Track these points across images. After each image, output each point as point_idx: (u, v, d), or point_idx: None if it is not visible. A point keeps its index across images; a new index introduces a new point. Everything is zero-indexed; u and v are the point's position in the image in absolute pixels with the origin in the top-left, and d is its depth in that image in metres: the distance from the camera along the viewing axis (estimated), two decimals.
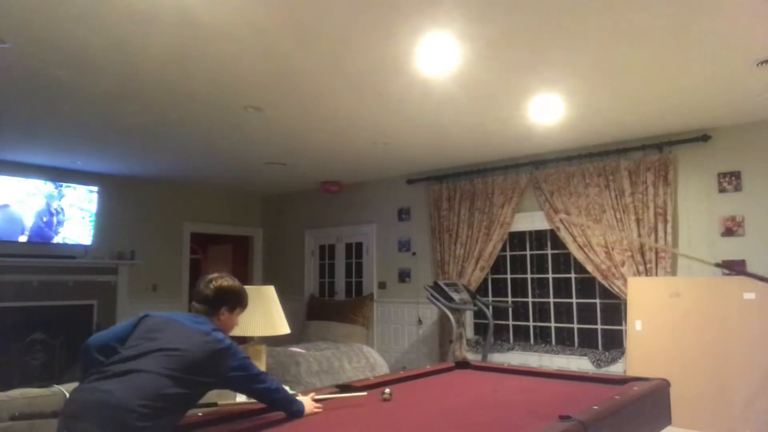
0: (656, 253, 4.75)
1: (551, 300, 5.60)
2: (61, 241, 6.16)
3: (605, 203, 5.06)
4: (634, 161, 4.96)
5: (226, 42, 3.01)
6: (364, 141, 5.14)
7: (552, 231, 5.48)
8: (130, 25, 2.79)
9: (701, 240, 4.65)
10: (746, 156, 4.54)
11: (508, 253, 5.93)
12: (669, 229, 4.71)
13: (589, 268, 5.12)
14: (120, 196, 6.87)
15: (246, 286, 2.29)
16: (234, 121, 4.50)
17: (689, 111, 4.27)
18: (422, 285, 6.12)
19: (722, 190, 4.62)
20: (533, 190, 5.62)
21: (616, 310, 5.17)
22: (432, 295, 5.41)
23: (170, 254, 7.38)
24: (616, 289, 4.95)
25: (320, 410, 2.18)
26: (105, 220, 6.62)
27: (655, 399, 2.52)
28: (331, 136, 4.99)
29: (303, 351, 4.96)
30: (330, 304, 7.37)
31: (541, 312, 5.68)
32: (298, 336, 6.97)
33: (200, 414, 2.06)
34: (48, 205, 6.07)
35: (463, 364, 3.34)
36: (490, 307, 5.66)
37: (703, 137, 4.69)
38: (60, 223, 6.16)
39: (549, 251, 5.65)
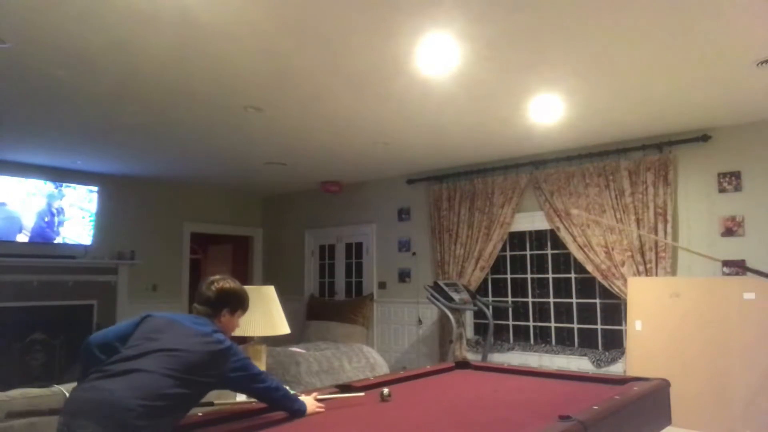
0: (656, 253, 4.75)
1: (551, 300, 5.60)
2: (61, 241, 6.16)
3: (605, 203, 5.06)
4: (634, 161, 4.96)
5: (226, 42, 3.01)
6: (364, 141, 5.14)
7: (552, 231, 5.48)
8: (130, 25, 2.79)
9: (701, 240, 4.65)
10: (746, 156, 4.54)
11: (508, 253, 5.93)
12: (669, 229, 4.71)
13: (589, 268, 5.12)
14: (120, 196, 6.87)
15: (246, 286, 2.29)
16: (234, 121, 4.50)
17: (689, 111, 4.27)
18: (422, 285, 6.12)
19: (722, 190, 4.62)
20: (533, 190, 5.62)
21: (616, 310, 5.17)
22: (432, 295, 5.41)
23: (170, 254, 7.38)
24: (616, 289, 4.95)
25: (323, 410, 2.19)
26: (105, 220, 6.63)
27: (655, 399, 2.52)
28: (331, 136, 4.99)
29: (303, 351, 4.96)
30: (330, 304, 7.37)
31: (541, 312, 5.69)
32: (298, 336, 6.97)
33: (200, 414, 2.06)
34: (49, 205, 6.07)
35: (463, 364, 3.34)
36: (490, 307, 5.66)
37: (703, 137, 4.69)
38: (60, 223, 6.16)
39: (549, 251, 5.65)
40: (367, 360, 5.22)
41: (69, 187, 6.22)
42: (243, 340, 3.00)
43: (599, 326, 5.28)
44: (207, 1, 2.57)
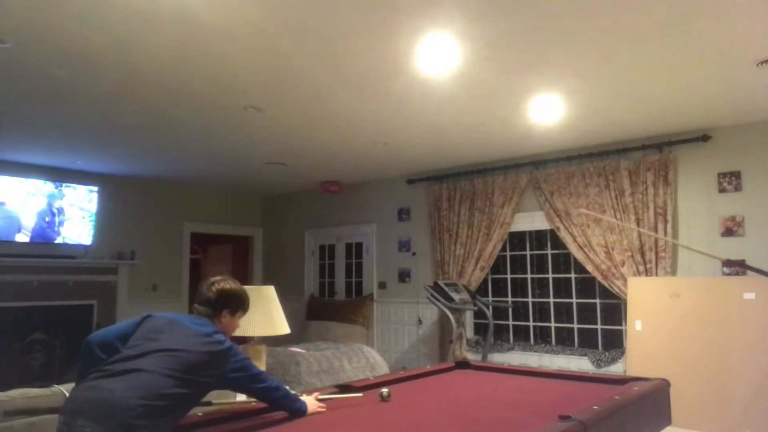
0: (656, 253, 4.75)
1: (551, 300, 5.60)
2: (61, 242, 6.17)
3: (605, 203, 5.06)
4: (634, 161, 4.96)
5: (226, 42, 3.01)
6: (364, 141, 5.14)
7: (552, 231, 5.48)
8: (130, 25, 2.79)
9: (701, 240, 4.65)
10: (746, 156, 4.54)
11: (508, 253, 5.93)
12: (669, 229, 4.71)
13: (589, 268, 5.12)
14: (120, 196, 6.87)
15: (246, 286, 2.30)
16: (234, 121, 4.50)
17: (689, 111, 4.27)
18: (422, 285, 6.12)
19: (722, 190, 4.62)
20: (533, 190, 5.62)
21: (616, 310, 5.17)
22: (432, 295, 5.41)
23: (170, 254, 7.38)
24: (616, 289, 4.95)
25: (324, 409, 2.19)
26: (105, 220, 6.63)
27: (655, 399, 2.52)
28: (331, 136, 4.99)
29: (303, 351, 4.96)
30: (330, 304, 7.37)
31: (541, 312, 5.69)
32: (298, 336, 6.97)
33: (200, 414, 2.06)
34: (50, 204, 6.07)
35: (463, 364, 3.34)
36: (490, 307, 5.66)
37: (703, 137, 4.69)
38: (61, 223, 6.16)
39: (549, 251, 5.65)
40: (367, 360, 5.22)
41: (69, 187, 6.22)
42: (243, 340, 3.00)
43: (599, 326, 5.28)
44: (207, 1, 2.57)
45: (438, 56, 3.19)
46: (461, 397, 2.54)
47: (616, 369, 4.91)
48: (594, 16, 2.74)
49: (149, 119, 4.44)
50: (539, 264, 5.73)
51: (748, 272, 4.30)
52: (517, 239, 5.89)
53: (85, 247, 6.39)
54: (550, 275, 5.62)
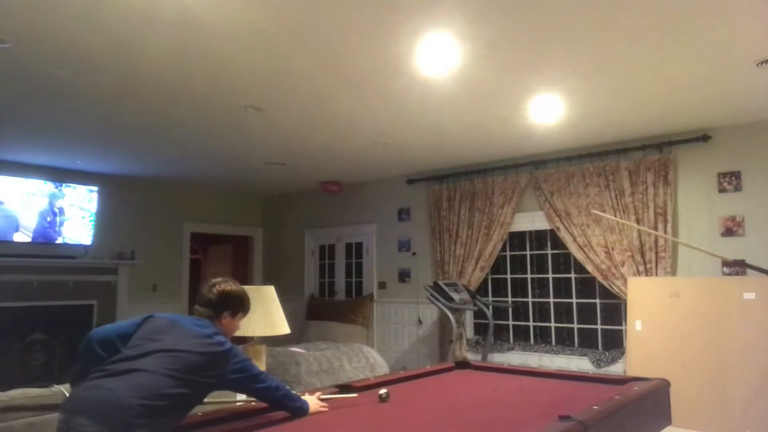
0: (656, 253, 4.75)
1: (551, 300, 5.60)
2: (62, 242, 6.17)
3: (605, 203, 5.06)
4: (634, 161, 4.96)
5: (226, 42, 3.01)
6: (364, 141, 5.14)
7: (552, 231, 5.48)
8: (130, 25, 2.79)
9: (701, 240, 4.65)
10: (746, 156, 4.54)
11: (508, 253, 5.93)
12: (669, 229, 4.71)
13: (589, 268, 5.12)
14: (120, 196, 6.87)
15: (246, 287, 2.30)
16: (234, 121, 4.50)
17: (689, 111, 4.27)
18: (422, 285, 6.12)
19: (722, 190, 4.62)
20: (533, 190, 5.62)
21: (616, 310, 5.17)
22: (432, 295, 5.41)
23: (170, 254, 7.38)
24: (616, 289, 4.95)
25: (326, 409, 2.20)
26: (105, 220, 6.63)
27: (655, 399, 2.52)
28: (331, 136, 4.99)
29: (303, 351, 4.95)
30: (330, 304, 7.37)
31: (541, 312, 5.69)
32: (298, 336, 6.97)
33: (200, 414, 2.06)
34: (51, 204, 6.07)
35: (463, 364, 3.34)
36: (490, 307, 5.66)
37: (703, 137, 4.69)
38: (62, 223, 6.16)
39: (549, 251, 5.65)
40: (367, 360, 5.22)
41: (69, 187, 6.22)
42: (243, 340, 3.00)
43: (599, 326, 5.28)
44: (207, 1, 2.57)
45: (438, 56, 3.19)
46: (461, 397, 2.54)
47: (616, 369, 4.91)
48: (594, 16, 2.74)
49: (149, 119, 4.44)
50: (539, 264, 5.73)
51: (749, 272, 4.30)
52: (517, 239, 5.89)
53: (85, 247, 6.39)
54: (550, 275, 5.63)
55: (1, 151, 5.51)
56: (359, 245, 7.31)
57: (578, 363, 5.18)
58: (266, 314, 3.01)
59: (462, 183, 6.09)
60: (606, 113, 4.31)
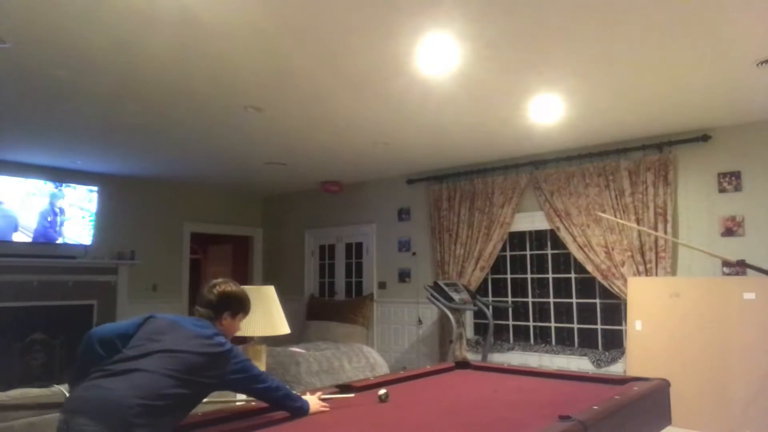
0: (656, 253, 4.75)
1: (551, 300, 5.60)
2: (63, 242, 6.17)
3: (605, 203, 5.06)
4: (634, 161, 4.96)
5: (226, 42, 3.01)
6: (364, 141, 5.14)
7: (552, 231, 5.48)
8: (130, 25, 2.79)
9: (701, 240, 4.65)
10: (746, 156, 4.54)
11: (508, 253, 5.93)
12: (669, 229, 4.71)
13: (589, 268, 5.12)
14: (120, 196, 6.87)
15: (246, 286, 2.31)
16: (234, 121, 4.50)
17: (689, 111, 4.27)
18: (422, 285, 6.12)
19: (722, 190, 4.62)
20: (533, 190, 5.62)
21: (616, 310, 5.17)
22: (432, 295, 5.41)
23: (170, 254, 7.38)
24: (616, 289, 4.95)
25: (327, 409, 2.20)
26: (105, 220, 6.63)
27: (655, 399, 2.52)
28: (331, 136, 4.99)
29: (303, 351, 4.95)
30: (330, 304, 7.37)
31: (541, 312, 5.68)
32: (298, 336, 6.97)
33: (200, 414, 2.06)
34: (52, 205, 6.07)
35: (463, 364, 3.34)
36: (490, 307, 5.66)
37: (703, 137, 4.69)
38: (62, 223, 6.16)
39: (549, 251, 5.65)
40: (367, 360, 5.22)
41: (69, 187, 6.22)
42: (243, 340, 3.00)
43: (599, 326, 5.28)
44: (207, 1, 2.57)
45: (438, 56, 3.19)
46: (461, 397, 2.54)
47: (616, 369, 4.91)
48: (594, 16, 2.74)
49: (149, 119, 4.44)
50: (539, 264, 5.73)
51: (749, 272, 4.30)
52: (517, 239, 5.89)
53: (85, 247, 6.39)
54: (550, 275, 5.63)
55: (1, 151, 5.51)
56: (359, 245, 7.31)
57: (578, 363, 5.18)
58: (266, 314, 3.01)
59: (462, 183, 6.09)
60: (606, 113, 4.31)
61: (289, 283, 7.89)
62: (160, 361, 1.77)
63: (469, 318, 6.11)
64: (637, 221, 4.87)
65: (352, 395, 2.44)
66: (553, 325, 5.58)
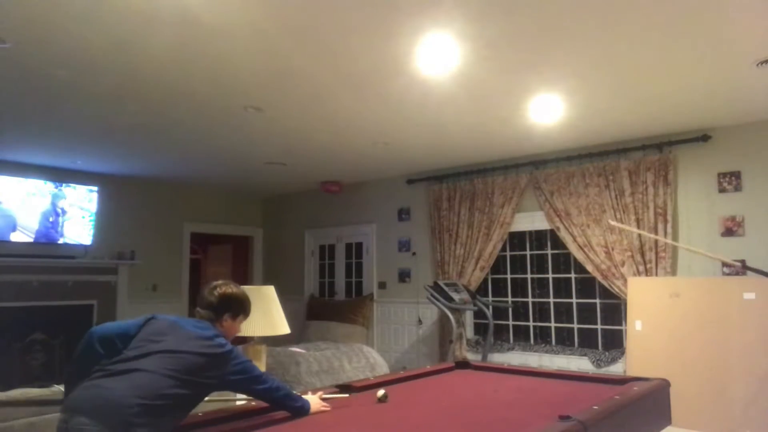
0: (656, 253, 4.75)
1: (551, 300, 5.60)
2: (64, 242, 6.17)
3: (605, 203, 5.06)
4: (634, 161, 4.96)
5: (226, 42, 3.01)
6: (364, 141, 5.14)
7: (552, 231, 5.48)
8: (130, 25, 2.79)
9: (701, 240, 4.65)
10: (746, 156, 4.54)
11: (508, 253, 5.93)
12: (669, 229, 4.71)
13: (589, 268, 5.12)
14: (120, 196, 6.87)
15: (246, 286, 2.31)
16: (234, 121, 4.50)
17: (689, 111, 4.27)
18: (422, 285, 6.12)
19: (722, 190, 4.62)
20: (533, 190, 5.62)
21: (616, 310, 5.17)
22: (432, 295, 5.41)
23: (170, 254, 7.38)
24: (616, 289, 4.95)
25: (328, 408, 2.20)
26: (105, 220, 6.63)
27: (655, 399, 2.52)
28: (331, 136, 4.99)
29: (303, 351, 4.96)
30: (330, 304, 7.37)
31: (541, 312, 5.68)
32: (298, 336, 6.97)
33: (200, 414, 2.06)
34: (54, 205, 6.07)
35: (463, 364, 3.34)
36: (490, 307, 5.66)
37: (703, 137, 4.69)
38: (63, 223, 6.16)
39: (549, 251, 5.65)
40: (367, 360, 5.22)
41: (69, 187, 6.22)
42: (243, 340, 3.00)
43: (599, 326, 5.28)
44: (207, 1, 2.57)
45: (438, 56, 3.19)
46: (461, 397, 2.54)
47: (616, 369, 4.91)
48: (594, 16, 2.74)
49: (149, 119, 4.44)
50: (539, 264, 5.73)
51: (748, 272, 4.30)
52: (517, 239, 5.89)
53: (85, 247, 6.39)
54: (550, 275, 5.63)
55: (1, 151, 5.51)
56: (359, 245, 7.31)
57: (578, 363, 5.18)
58: (266, 314, 3.01)
59: (462, 183, 6.09)
60: (606, 113, 4.31)
61: (289, 283, 7.89)
62: (160, 361, 1.77)
63: (469, 318, 6.11)
64: (637, 221, 4.87)
65: (352, 395, 2.44)
66: (553, 325, 5.58)
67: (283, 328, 3.09)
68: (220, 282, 2.19)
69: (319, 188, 7.32)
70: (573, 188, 5.28)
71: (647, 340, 4.45)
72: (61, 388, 2.58)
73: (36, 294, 6.01)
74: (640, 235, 4.82)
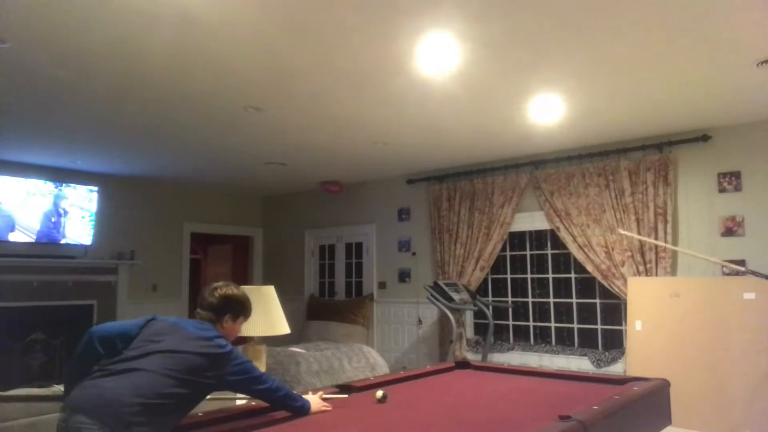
0: (656, 253, 4.75)
1: (551, 300, 5.60)
2: (65, 242, 6.17)
3: (605, 203, 5.06)
4: (634, 161, 4.96)
5: (226, 42, 3.01)
6: (364, 141, 5.14)
7: (552, 231, 5.48)
8: (130, 25, 2.79)
9: (701, 240, 4.65)
10: (746, 156, 4.54)
11: (508, 253, 5.93)
12: (669, 229, 4.71)
13: (589, 268, 5.12)
14: (120, 196, 6.87)
15: (246, 286, 2.31)
16: (234, 121, 4.50)
17: (689, 111, 4.27)
18: (422, 285, 6.12)
19: (722, 190, 4.62)
20: (533, 190, 5.62)
21: (616, 310, 5.17)
22: (432, 295, 5.41)
23: (170, 254, 7.38)
24: (616, 289, 4.95)
25: (329, 408, 2.21)
26: (105, 220, 6.63)
27: (655, 399, 2.52)
28: (331, 136, 4.99)
29: (303, 351, 4.96)
30: (330, 304, 7.37)
31: (541, 312, 5.68)
32: (298, 336, 6.97)
33: (200, 414, 2.06)
34: (56, 206, 6.07)
35: (463, 364, 3.34)
36: (490, 307, 5.66)
37: (703, 137, 4.69)
38: (65, 224, 6.16)
39: (549, 251, 5.65)
40: (367, 360, 5.22)
41: (69, 187, 6.22)
42: (243, 340, 3.00)
43: (599, 326, 5.29)
44: (207, 1, 2.57)
45: (438, 56, 3.19)
46: (461, 397, 2.54)
47: (616, 369, 4.91)
48: (594, 16, 2.74)
49: (149, 119, 4.44)
50: (539, 264, 5.73)
51: (747, 274, 4.30)
52: (517, 239, 5.89)
53: (85, 247, 6.39)
54: (550, 275, 5.63)
55: (1, 151, 5.51)
56: (359, 245, 7.31)
57: (578, 363, 5.18)
58: (266, 314, 3.02)
59: (462, 183, 6.09)
60: (606, 113, 4.31)
61: (289, 283, 7.89)
62: (159, 361, 1.78)
63: (469, 318, 6.11)
64: (637, 221, 4.87)
65: (352, 395, 2.44)
66: (553, 325, 5.58)
67: (283, 328, 3.09)
68: (220, 283, 2.19)
69: (319, 188, 7.32)
70: (573, 188, 5.28)
71: (647, 340, 4.45)
72: (61, 387, 2.58)
73: (36, 294, 6.01)
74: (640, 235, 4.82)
